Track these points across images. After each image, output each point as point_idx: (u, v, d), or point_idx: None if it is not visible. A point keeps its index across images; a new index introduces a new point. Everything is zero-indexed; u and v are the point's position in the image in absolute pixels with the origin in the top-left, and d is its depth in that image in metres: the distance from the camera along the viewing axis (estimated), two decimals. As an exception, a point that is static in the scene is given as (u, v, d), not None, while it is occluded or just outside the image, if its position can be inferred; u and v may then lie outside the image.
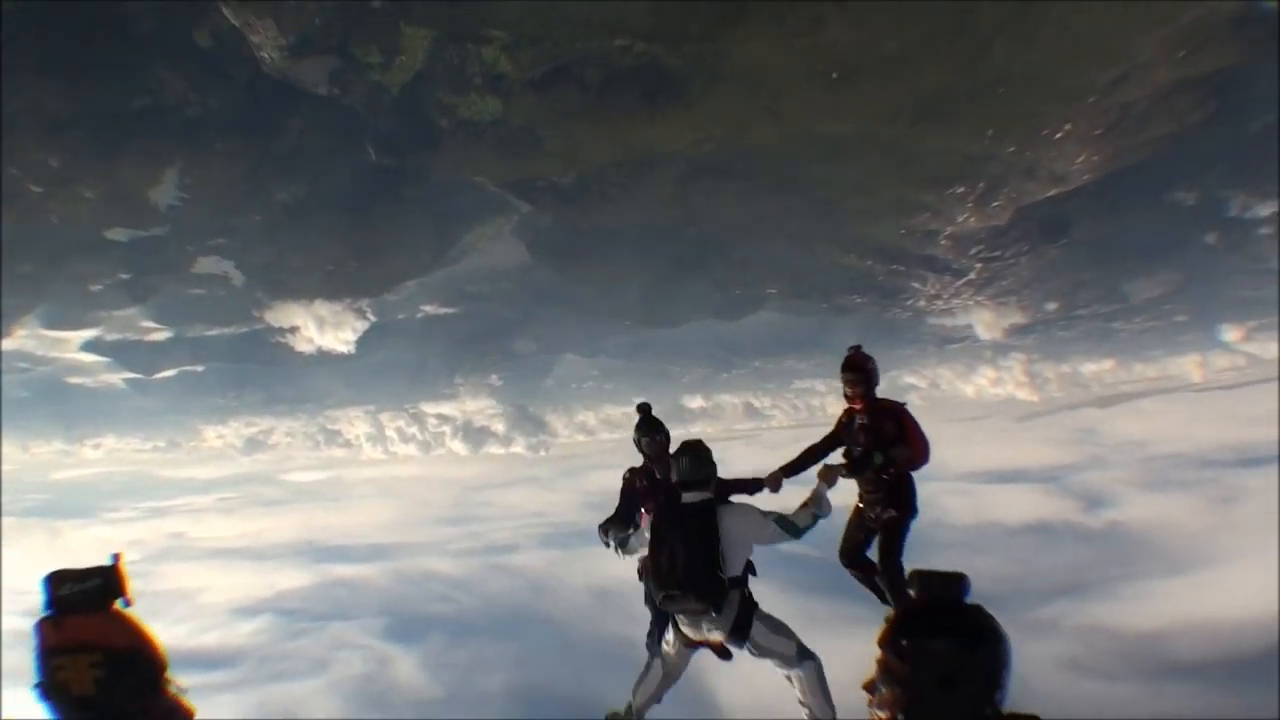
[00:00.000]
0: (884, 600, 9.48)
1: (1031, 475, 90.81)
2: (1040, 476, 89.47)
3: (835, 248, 45.16)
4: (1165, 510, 69.41)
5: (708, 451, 7.19)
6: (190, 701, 3.53)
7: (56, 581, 3.54)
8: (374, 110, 28.35)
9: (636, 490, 9.15)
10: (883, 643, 3.28)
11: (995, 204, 37.84)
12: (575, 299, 49.43)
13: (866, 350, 9.20)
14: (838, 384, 8.81)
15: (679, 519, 6.94)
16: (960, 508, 78.93)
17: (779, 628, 6.99)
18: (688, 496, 7.09)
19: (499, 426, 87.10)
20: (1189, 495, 72.05)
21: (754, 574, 7.24)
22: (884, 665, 3.22)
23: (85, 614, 3.46)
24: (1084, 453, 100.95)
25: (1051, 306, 60.17)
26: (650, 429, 9.27)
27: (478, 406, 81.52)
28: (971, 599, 3.52)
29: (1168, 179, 38.93)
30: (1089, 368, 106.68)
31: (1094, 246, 45.84)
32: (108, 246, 33.23)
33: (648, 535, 7.15)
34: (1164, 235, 46.05)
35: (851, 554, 9.59)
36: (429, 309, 51.62)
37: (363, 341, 47.24)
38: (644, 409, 9.61)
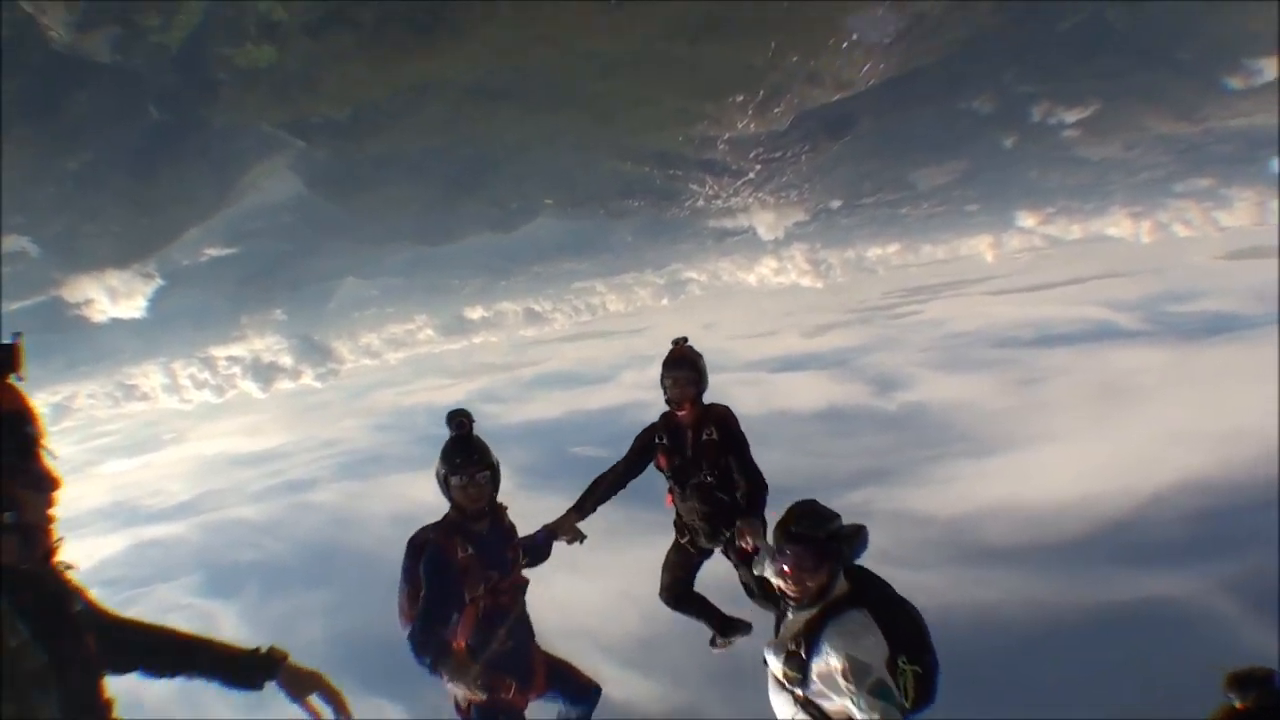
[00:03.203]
0: (719, 629, 8.47)
1: (819, 360, 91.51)
2: (828, 361, 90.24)
3: (612, 157, 45.18)
4: (964, 391, 69.97)
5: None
6: (59, 473, 3.40)
7: None
8: (155, 71, 27.59)
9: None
10: None
11: (777, 110, 37.94)
12: (353, 226, 49.18)
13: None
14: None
15: None
16: (748, 398, 77.65)
17: None
18: None
19: (287, 360, 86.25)
20: (988, 375, 72.79)
21: None
22: None
23: None
24: (872, 335, 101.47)
25: (836, 204, 61.11)
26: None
27: (265, 344, 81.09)
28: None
29: (962, 80, 39.56)
30: (874, 252, 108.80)
31: (879, 140, 46.78)
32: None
33: None
34: (955, 133, 46.75)
35: (681, 592, 8.36)
36: (211, 251, 50.80)
37: (150, 299, 45.88)
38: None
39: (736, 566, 7.92)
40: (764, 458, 7.51)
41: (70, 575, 3.36)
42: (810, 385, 78.96)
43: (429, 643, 5.68)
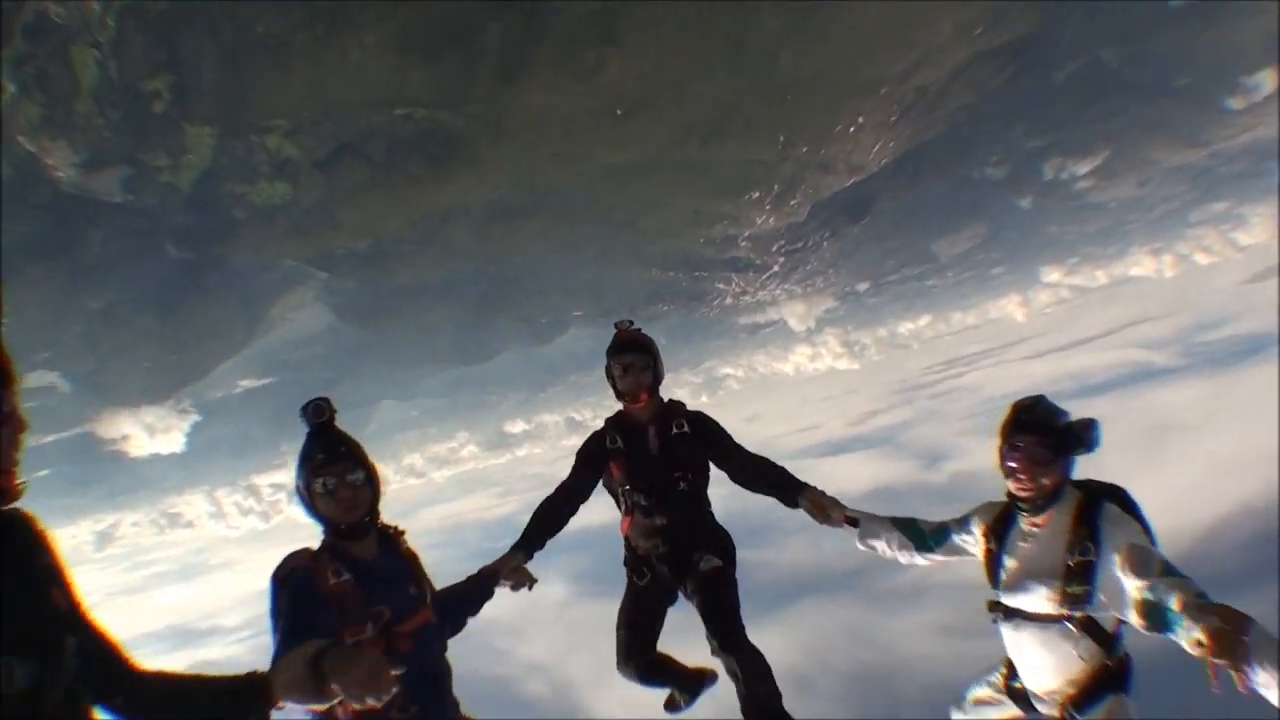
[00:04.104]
0: (685, 689, 6.82)
1: (865, 441, 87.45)
2: (874, 440, 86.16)
3: (636, 265, 45.29)
4: None
5: None
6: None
7: None
8: (168, 209, 27.79)
9: None
10: None
11: (793, 202, 38.07)
12: (386, 352, 49.24)
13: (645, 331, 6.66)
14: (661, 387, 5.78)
15: None
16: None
17: None
18: None
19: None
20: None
21: None
22: None
23: None
24: (914, 410, 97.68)
25: (862, 286, 61.39)
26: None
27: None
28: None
29: (971, 145, 39.83)
30: (906, 326, 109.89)
31: (897, 217, 46.84)
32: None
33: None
34: (971, 199, 46.93)
35: (645, 652, 6.50)
36: (246, 383, 51.06)
37: (188, 434, 46.05)
38: None
39: (699, 592, 6.28)
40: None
41: (41, 527, 3.22)
42: (859, 466, 76.74)
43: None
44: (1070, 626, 4.90)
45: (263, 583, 4.44)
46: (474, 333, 48.44)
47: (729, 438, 6.58)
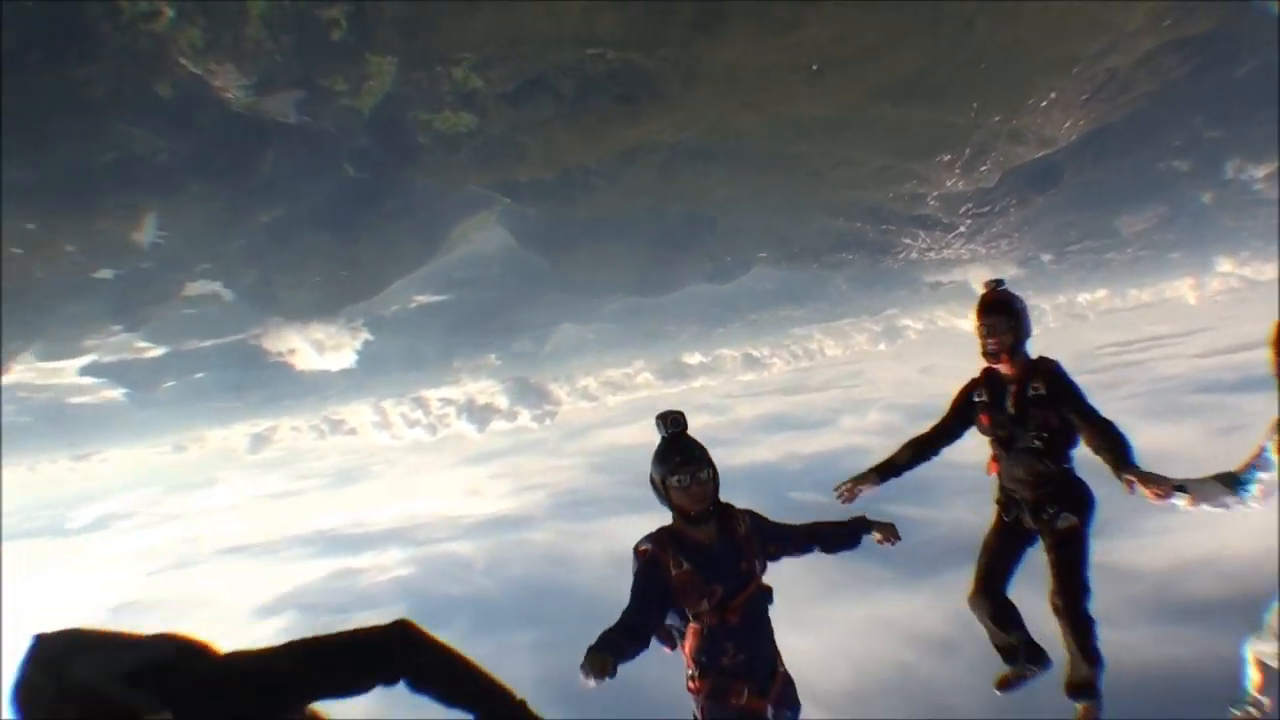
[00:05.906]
0: (1030, 660, 7.03)
1: None
2: None
3: (824, 214, 44.90)
4: (1172, 439, 64.53)
5: None
6: None
7: None
8: (347, 131, 27.94)
9: None
10: None
11: (983, 168, 37.62)
12: (566, 279, 49.07)
13: (999, 287, 6.86)
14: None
15: None
16: (969, 443, 74.89)
17: None
18: None
19: (502, 402, 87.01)
20: (1194, 422, 67.69)
21: None
22: None
23: None
24: (1084, 381, 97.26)
25: (1046, 256, 60.10)
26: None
27: (479, 387, 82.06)
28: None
29: (1156, 129, 38.77)
30: (1083, 297, 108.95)
31: (1083, 191, 45.72)
32: (96, 285, 32.51)
33: None
34: (1155, 183, 45.93)
35: (995, 588, 6.95)
36: (421, 299, 51.52)
37: (359, 351, 46.60)
38: None
39: (1052, 549, 6.68)
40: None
41: None
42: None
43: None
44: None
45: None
46: (655, 267, 48.52)
47: (1082, 402, 6.78)
